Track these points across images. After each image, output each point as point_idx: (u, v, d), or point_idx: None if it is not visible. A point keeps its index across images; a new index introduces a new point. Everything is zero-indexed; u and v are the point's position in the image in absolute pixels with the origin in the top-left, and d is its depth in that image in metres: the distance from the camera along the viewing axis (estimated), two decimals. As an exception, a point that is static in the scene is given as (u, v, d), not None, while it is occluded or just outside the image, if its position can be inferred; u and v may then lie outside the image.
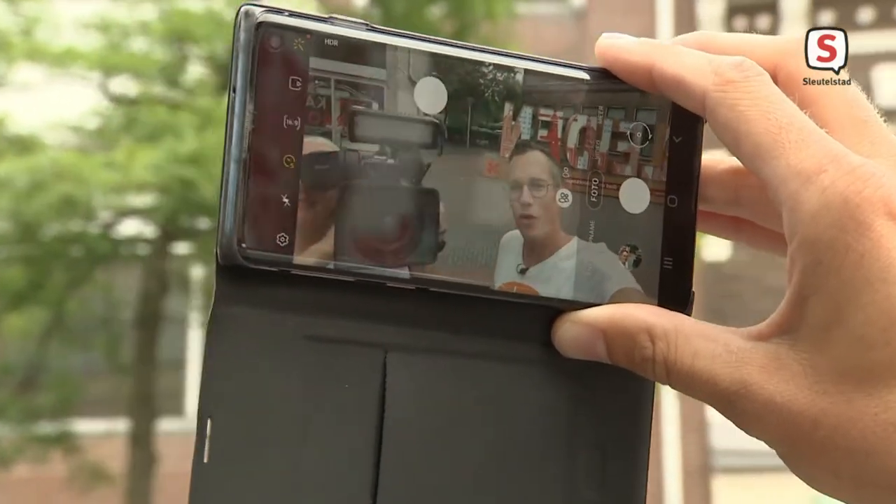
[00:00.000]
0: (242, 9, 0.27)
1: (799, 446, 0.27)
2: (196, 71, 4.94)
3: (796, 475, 0.28)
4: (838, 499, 0.28)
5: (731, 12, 8.69)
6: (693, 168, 0.31)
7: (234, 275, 0.27)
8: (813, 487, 0.28)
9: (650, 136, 0.30)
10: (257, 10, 0.27)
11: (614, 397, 0.30)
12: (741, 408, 0.27)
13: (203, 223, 4.89)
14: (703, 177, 0.31)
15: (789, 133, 0.27)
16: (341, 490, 0.27)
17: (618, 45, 0.30)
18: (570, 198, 0.30)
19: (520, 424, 0.29)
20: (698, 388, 0.28)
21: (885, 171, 0.26)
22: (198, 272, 5.42)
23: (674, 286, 0.30)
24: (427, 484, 0.28)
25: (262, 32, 0.27)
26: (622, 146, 0.30)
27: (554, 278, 0.29)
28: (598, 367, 0.29)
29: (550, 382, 0.30)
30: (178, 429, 6.36)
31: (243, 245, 0.26)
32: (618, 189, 0.30)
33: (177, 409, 6.95)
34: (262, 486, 0.27)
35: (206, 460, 0.26)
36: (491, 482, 0.29)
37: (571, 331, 0.30)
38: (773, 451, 0.28)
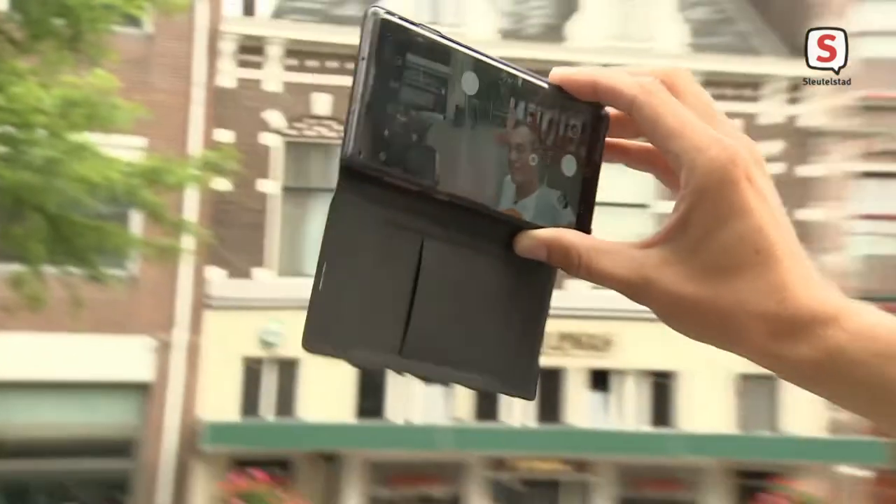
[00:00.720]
0: (371, 9, 0.41)
1: (683, 315, 0.43)
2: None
3: (676, 331, 0.44)
4: (702, 341, 0.44)
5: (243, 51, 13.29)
6: (599, 151, 0.47)
7: (349, 174, 0.41)
8: (687, 336, 0.44)
9: (579, 130, 0.46)
10: (381, 11, 0.41)
11: (538, 279, 0.47)
12: (645, 294, 0.43)
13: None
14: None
15: (687, 124, 0.42)
16: (390, 313, 0.42)
17: (568, 70, 0.46)
18: (537, 161, 0.45)
19: (491, 291, 0.45)
20: (613, 284, 0.44)
21: (742, 148, 0.42)
22: None
23: (584, 221, 0.47)
24: (438, 319, 0.43)
25: (382, 25, 0.40)
26: (564, 133, 0.46)
27: (528, 209, 0.45)
28: (536, 263, 0.45)
29: (509, 268, 0.46)
30: None
31: (360, 155, 0.40)
32: (561, 159, 0.46)
33: None
34: (349, 304, 0.41)
35: (320, 288, 0.40)
36: (476, 326, 0.45)
37: (529, 241, 0.45)
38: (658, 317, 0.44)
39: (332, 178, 12.96)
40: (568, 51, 13.90)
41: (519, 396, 0.46)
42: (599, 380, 13.58)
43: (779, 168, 13.51)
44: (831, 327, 0.41)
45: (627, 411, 13.61)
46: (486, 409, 13.41)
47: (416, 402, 13.43)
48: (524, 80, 0.45)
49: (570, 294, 13.46)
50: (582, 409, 13.54)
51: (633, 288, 0.44)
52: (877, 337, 0.41)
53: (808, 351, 0.42)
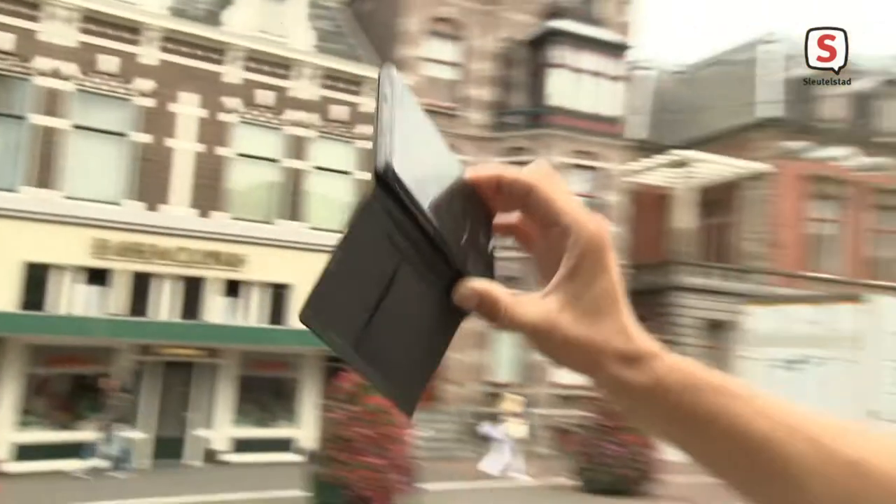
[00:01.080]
0: (385, 65, 0.51)
1: (565, 350, 0.52)
2: None
3: (551, 359, 0.53)
4: (566, 367, 0.53)
5: None
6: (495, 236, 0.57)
7: (381, 184, 0.46)
8: (555, 362, 0.53)
9: (485, 217, 0.56)
10: (392, 68, 0.51)
11: (452, 324, 0.54)
12: (551, 336, 0.51)
13: None
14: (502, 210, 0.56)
15: (571, 205, 0.53)
16: (361, 311, 0.47)
17: (478, 170, 0.54)
18: (470, 235, 0.53)
19: (425, 322, 0.52)
20: (527, 330, 0.52)
21: (605, 223, 0.52)
22: None
23: (492, 279, 0.55)
24: (385, 330, 0.49)
25: (394, 77, 0.50)
26: (483, 215, 0.56)
27: (473, 267, 0.53)
28: (459, 311, 0.53)
29: (441, 309, 0.52)
30: None
31: (393, 169, 0.46)
32: (480, 235, 0.55)
33: None
34: (341, 291, 0.47)
35: (330, 269, 0.46)
36: (404, 345, 0.51)
37: (466, 290, 0.52)
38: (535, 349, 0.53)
39: (9, 104, 16.49)
40: (223, 33, 17.76)
41: (403, 411, 0.52)
42: (233, 288, 17.62)
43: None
44: (655, 360, 0.52)
45: (252, 312, 17.71)
46: (137, 306, 16.43)
47: (77, 296, 15.89)
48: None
49: (213, 221, 17.35)
50: (217, 309, 17.34)
51: (541, 332, 0.52)
52: (681, 370, 0.52)
53: (642, 377, 0.52)
